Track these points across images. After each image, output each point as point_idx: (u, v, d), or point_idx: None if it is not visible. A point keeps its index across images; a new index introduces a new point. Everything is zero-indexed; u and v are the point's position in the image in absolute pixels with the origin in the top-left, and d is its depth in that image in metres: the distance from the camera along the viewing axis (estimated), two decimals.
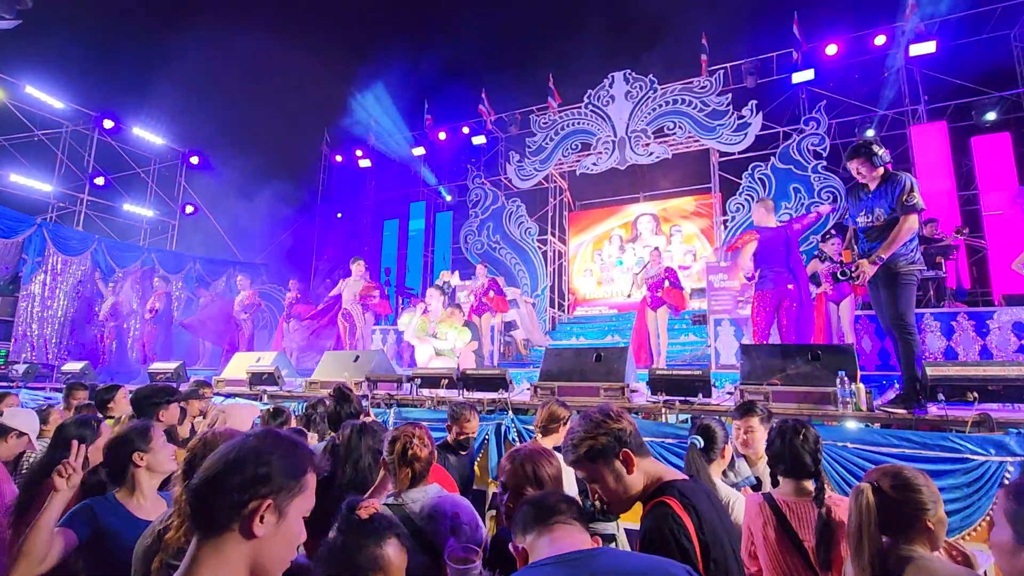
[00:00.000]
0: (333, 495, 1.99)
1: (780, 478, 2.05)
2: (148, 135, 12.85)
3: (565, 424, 3.13)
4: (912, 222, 3.38)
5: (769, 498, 1.97)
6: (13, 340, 9.48)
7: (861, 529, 1.39)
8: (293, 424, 3.29)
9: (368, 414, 3.75)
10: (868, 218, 3.58)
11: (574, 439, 1.41)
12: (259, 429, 1.05)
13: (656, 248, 8.06)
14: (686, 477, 1.43)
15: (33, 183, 10.97)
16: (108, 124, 11.92)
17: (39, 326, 9.82)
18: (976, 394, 3.11)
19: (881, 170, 3.52)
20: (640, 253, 12.00)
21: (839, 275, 3.65)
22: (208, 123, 13.14)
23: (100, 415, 2.95)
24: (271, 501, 0.94)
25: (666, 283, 7.37)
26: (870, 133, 10.01)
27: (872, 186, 3.57)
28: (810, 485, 2.00)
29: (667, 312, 7.47)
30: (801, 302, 5.28)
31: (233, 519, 0.92)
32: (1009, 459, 2.93)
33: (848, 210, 3.82)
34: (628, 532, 3.55)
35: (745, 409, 2.81)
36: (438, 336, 6.41)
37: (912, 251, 3.48)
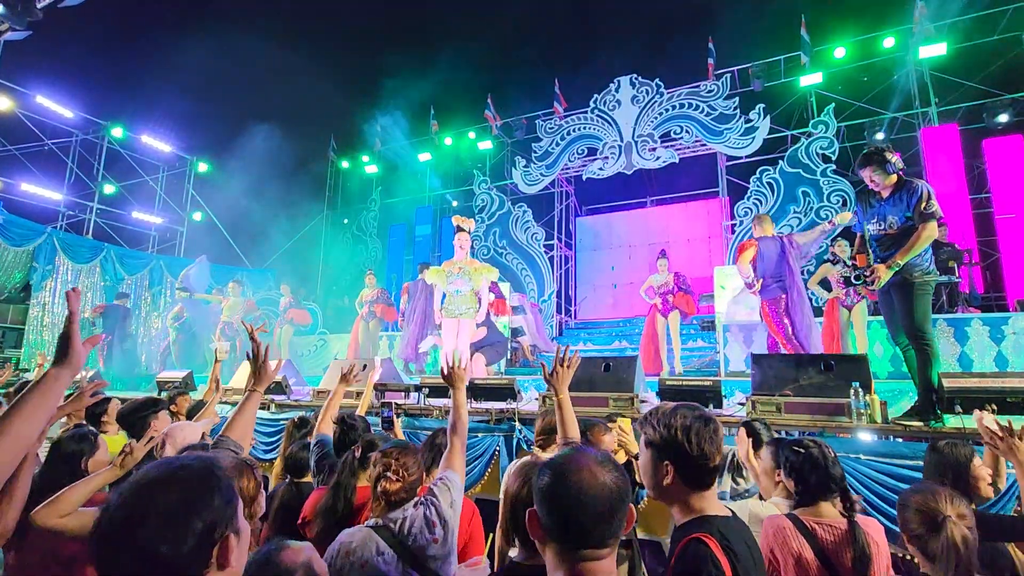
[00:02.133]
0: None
1: (800, 499, 1.99)
2: (156, 143, 12.95)
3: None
4: (931, 229, 3.30)
5: (796, 520, 1.87)
6: (25, 347, 9.56)
7: (970, 563, 1.35)
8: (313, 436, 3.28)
9: (394, 423, 3.73)
10: (881, 226, 3.49)
11: (652, 417, 1.40)
12: (163, 468, 0.92)
13: (662, 251, 7.92)
14: (728, 513, 1.38)
15: (43, 192, 11.07)
16: (117, 132, 12.03)
17: (50, 334, 9.90)
18: (995, 406, 3.04)
19: (894, 177, 3.43)
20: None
21: (853, 279, 3.58)
22: (216, 131, 13.26)
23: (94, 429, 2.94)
24: (229, 533, 0.90)
25: (676, 289, 7.35)
26: (880, 136, 9.92)
27: (884, 194, 3.48)
28: (835, 504, 1.94)
29: (679, 317, 7.43)
30: (791, 310, 5.32)
31: (205, 571, 0.88)
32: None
33: (859, 217, 3.75)
34: (642, 543, 3.52)
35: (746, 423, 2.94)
36: (468, 275, 6.12)
37: (928, 261, 3.39)
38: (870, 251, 3.60)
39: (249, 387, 2.23)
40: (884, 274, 3.35)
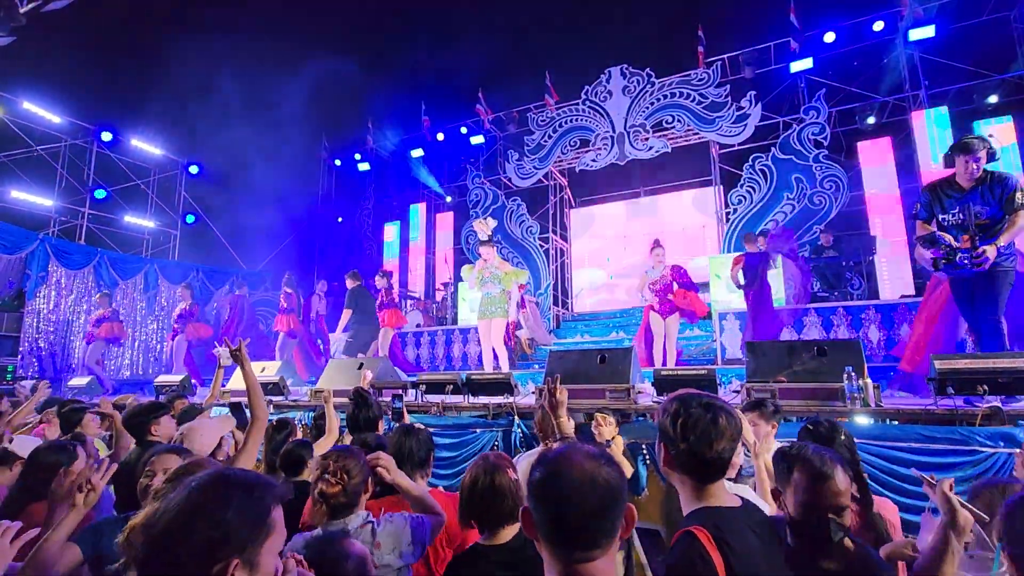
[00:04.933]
0: None
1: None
2: (147, 146, 12.87)
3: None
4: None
5: None
6: (20, 356, 9.53)
7: None
8: (298, 435, 3.29)
9: (403, 414, 3.74)
10: (964, 216, 3.59)
11: (665, 400, 1.42)
12: (204, 476, 0.91)
13: (656, 241, 7.05)
14: (737, 503, 1.33)
15: (34, 198, 10.99)
16: (106, 137, 11.94)
17: (45, 341, 9.87)
18: (986, 387, 3.07)
19: (981, 171, 3.56)
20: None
21: (959, 260, 3.59)
22: (206, 132, 13.13)
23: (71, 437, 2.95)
24: (237, 560, 0.82)
25: (675, 285, 6.59)
26: (871, 121, 9.93)
27: (967, 185, 3.59)
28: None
29: (678, 320, 6.63)
30: (757, 308, 6.99)
31: None
32: (1019, 451, 2.90)
33: (924, 206, 3.83)
34: (640, 531, 3.55)
35: (752, 405, 2.98)
36: (499, 279, 6.29)
37: (1013, 251, 3.56)
38: (974, 235, 3.64)
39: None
40: (992, 254, 3.44)
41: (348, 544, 1.53)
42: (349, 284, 8.09)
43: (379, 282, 8.31)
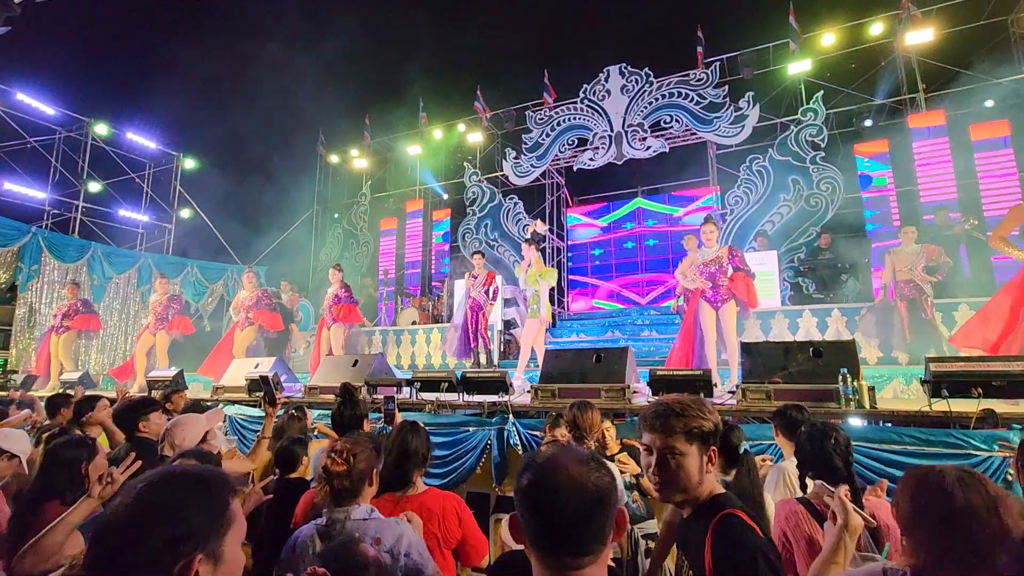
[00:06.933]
0: None
1: (809, 482, 2.02)
2: (142, 139, 12.78)
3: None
4: None
5: (808, 504, 1.89)
6: (13, 348, 9.45)
7: None
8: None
9: (395, 416, 3.72)
10: None
11: (683, 410, 1.35)
12: (155, 474, 0.90)
13: (708, 217, 5.90)
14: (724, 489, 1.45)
15: (27, 191, 10.91)
16: (101, 129, 11.86)
17: (39, 332, 9.79)
18: (980, 390, 3.08)
19: None
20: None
21: None
22: (202, 126, 13.11)
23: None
24: (200, 555, 0.81)
25: (730, 269, 5.52)
26: (868, 123, 9.96)
27: None
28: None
29: (734, 310, 5.46)
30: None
31: None
32: (1012, 455, 2.91)
33: None
34: None
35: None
36: (528, 282, 6.46)
37: None
38: None
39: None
40: None
41: (364, 548, 1.50)
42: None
43: (332, 276, 7.72)
